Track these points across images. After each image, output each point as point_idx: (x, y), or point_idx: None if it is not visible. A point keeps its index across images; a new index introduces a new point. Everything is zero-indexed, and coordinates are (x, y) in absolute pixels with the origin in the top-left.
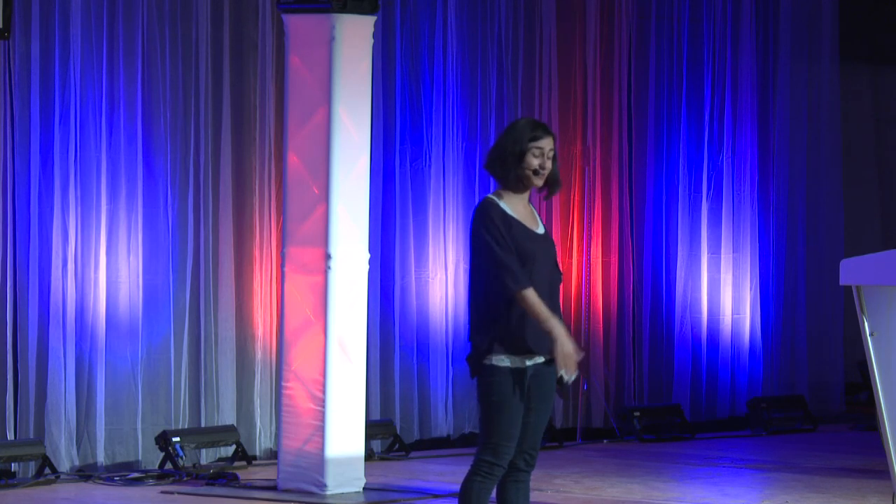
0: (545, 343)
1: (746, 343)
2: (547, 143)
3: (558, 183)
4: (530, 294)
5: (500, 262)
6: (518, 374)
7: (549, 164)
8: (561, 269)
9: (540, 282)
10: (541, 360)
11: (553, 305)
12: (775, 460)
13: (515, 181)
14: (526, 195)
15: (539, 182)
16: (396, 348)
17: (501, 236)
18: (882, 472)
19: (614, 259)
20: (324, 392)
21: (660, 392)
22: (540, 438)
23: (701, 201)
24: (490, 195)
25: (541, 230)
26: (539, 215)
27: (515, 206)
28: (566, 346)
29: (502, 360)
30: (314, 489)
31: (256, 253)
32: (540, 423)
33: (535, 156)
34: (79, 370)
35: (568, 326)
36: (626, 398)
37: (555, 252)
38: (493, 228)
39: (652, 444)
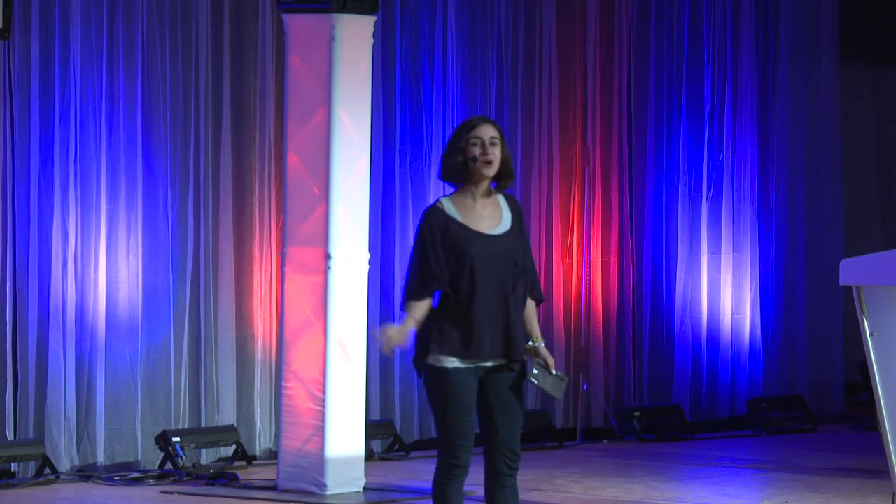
0: (487, 346)
1: (746, 343)
2: (485, 131)
3: (511, 173)
4: (410, 308)
5: (411, 271)
6: (457, 374)
7: (494, 152)
8: (561, 267)
9: (486, 284)
10: (488, 363)
11: (508, 307)
12: (775, 460)
13: (463, 177)
14: (480, 191)
15: (487, 171)
16: (396, 348)
17: (424, 246)
18: (882, 472)
19: (614, 259)
20: (324, 392)
21: (660, 392)
22: (516, 440)
23: (701, 201)
24: (441, 198)
25: (499, 230)
26: (511, 211)
27: (465, 206)
28: (384, 331)
29: (438, 361)
30: (314, 489)
31: (256, 253)
32: (508, 426)
33: (474, 145)
34: (79, 370)
35: (522, 324)
36: (626, 398)
37: (516, 251)
38: (423, 236)
39: (652, 444)
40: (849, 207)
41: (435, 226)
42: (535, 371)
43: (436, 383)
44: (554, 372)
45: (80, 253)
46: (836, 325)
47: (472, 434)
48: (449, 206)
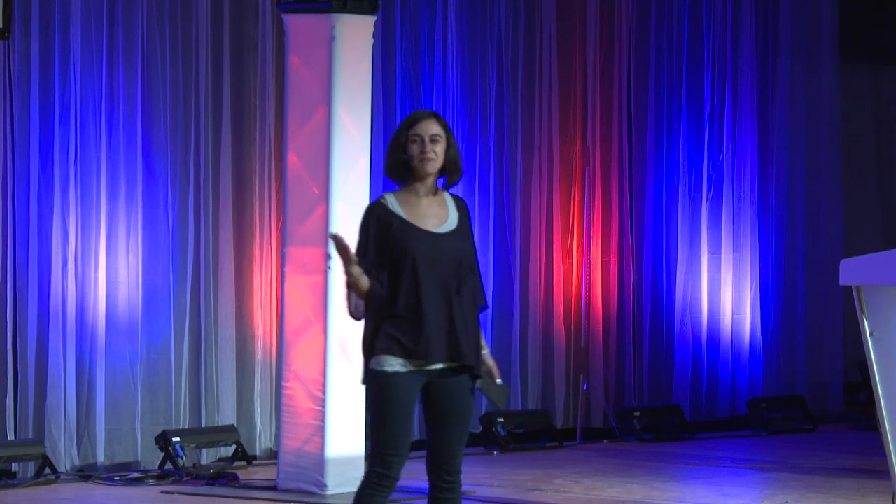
0: (434, 346)
1: (746, 343)
2: (426, 128)
3: (457, 170)
4: (350, 308)
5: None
6: (398, 379)
7: (434, 149)
8: (561, 267)
9: (429, 282)
10: (438, 366)
11: (451, 308)
12: (775, 460)
13: (405, 175)
14: (425, 188)
15: (426, 168)
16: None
17: (361, 245)
18: (882, 472)
19: (614, 259)
20: (324, 392)
21: (660, 392)
22: (453, 453)
23: (701, 201)
24: (385, 193)
25: (444, 228)
26: (458, 211)
27: (409, 203)
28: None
29: (381, 364)
30: (314, 489)
31: (256, 253)
32: (450, 437)
33: (413, 142)
34: (79, 370)
35: (481, 330)
36: (626, 398)
37: (463, 251)
38: (361, 234)
39: (652, 444)
40: (849, 207)
41: (374, 223)
42: (479, 378)
43: (375, 388)
44: (498, 381)
45: (80, 253)
46: (836, 325)
47: (407, 444)
48: (393, 202)
